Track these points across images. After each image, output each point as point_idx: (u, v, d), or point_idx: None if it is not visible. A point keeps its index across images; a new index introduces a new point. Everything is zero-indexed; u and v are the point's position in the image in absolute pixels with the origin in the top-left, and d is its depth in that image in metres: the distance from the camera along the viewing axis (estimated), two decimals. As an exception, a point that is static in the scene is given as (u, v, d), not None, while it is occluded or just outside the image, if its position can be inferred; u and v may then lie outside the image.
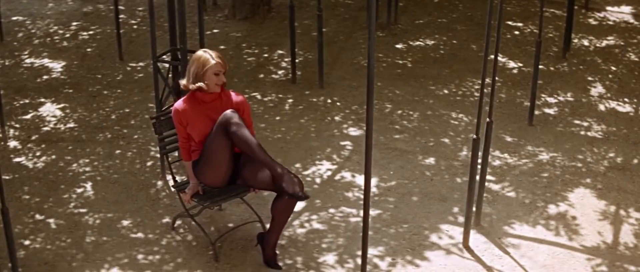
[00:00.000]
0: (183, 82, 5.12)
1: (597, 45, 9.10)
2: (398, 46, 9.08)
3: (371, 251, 5.30)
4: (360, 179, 6.22)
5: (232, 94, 5.20)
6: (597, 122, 7.22)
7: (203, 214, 5.59)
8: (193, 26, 8.30)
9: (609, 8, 10.39)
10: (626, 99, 7.70)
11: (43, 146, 6.83)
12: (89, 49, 9.11)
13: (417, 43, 9.19)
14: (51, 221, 5.74)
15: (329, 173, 6.35)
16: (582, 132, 7.03)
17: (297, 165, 6.44)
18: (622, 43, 9.18)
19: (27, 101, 7.71)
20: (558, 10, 10.09)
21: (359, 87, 7.89)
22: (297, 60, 8.20)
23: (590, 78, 8.18)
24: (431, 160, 6.55)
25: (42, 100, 7.73)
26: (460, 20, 9.92)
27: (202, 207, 5.35)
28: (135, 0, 10.76)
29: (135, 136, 6.96)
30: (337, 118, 7.29)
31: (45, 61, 8.77)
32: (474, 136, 5.12)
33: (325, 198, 5.98)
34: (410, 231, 5.59)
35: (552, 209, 5.85)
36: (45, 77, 8.33)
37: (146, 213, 5.82)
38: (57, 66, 8.61)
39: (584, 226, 5.65)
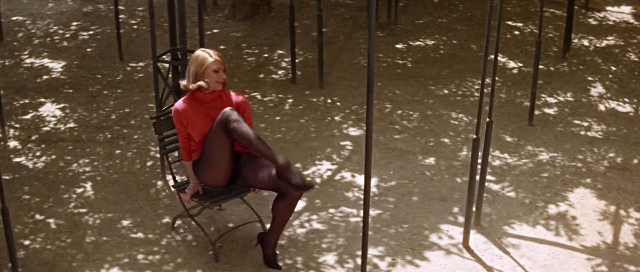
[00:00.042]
0: (183, 83, 5.12)
1: (597, 45, 9.10)
2: (398, 46, 9.08)
3: (371, 251, 5.30)
4: (360, 179, 6.22)
5: (232, 94, 5.20)
6: (597, 122, 7.22)
7: (203, 214, 5.59)
8: (193, 26, 8.30)
9: (609, 8, 10.40)
10: (626, 99, 7.70)
11: (43, 145, 6.83)
12: (89, 49, 9.11)
13: (417, 43, 9.19)
14: (51, 221, 5.74)
15: (329, 173, 6.35)
16: (582, 132, 7.03)
17: (297, 165, 6.44)
18: (622, 43, 9.18)
19: (27, 101, 7.71)
20: (558, 10, 10.09)
21: (359, 87, 7.90)
22: (297, 60, 8.20)
23: (590, 78, 8.18)
24: (431, 160, 6.55)
25: (42, 100, 7.73)
26: (460, 20, 9.92)
27: (202, 207, 5.35)
28: (135, 0, 10.76)
29: (135, 136, 6.96)
30: (337, 118, 7.29)
31: (45, 61, 8.77)
32: (474, 136, 5.12)
33: (325, 198, 5.98)
34: (410, 231, 5.59)
35: (552, 209, 5.85)
36: (45, 77, 8.33)
37: (146, 213, 5.82)
38: (57, 66, 8.61)
39: (584, 226, 5.65)
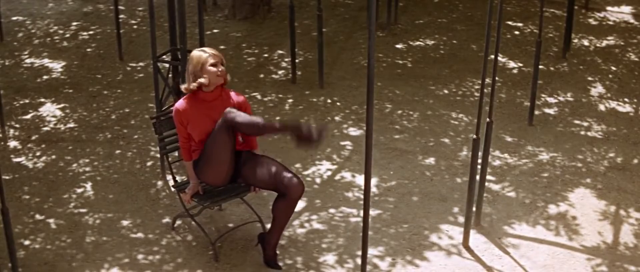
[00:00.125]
0: (184, 86, 5.11)
1: (597, 45, 9.10)
2: (398, 46, 9.08)
3: (371, 251, 5.30)
4: (360, 179, 6.22)
5: (233, 93, 5.20)
6: (597, 122, 7.22)
7: (203, 214, 5.59)
8: (193, 26, 8.30)
9: (609, 8, 10.40)
10: (626, 99, 7.70)
11: (43, 145, 6.83)
12: (89, 49, 9.11)
13: (417, 43, 9.19)
14: (51, 221, 5.74)
15: (329, 173, 6.35)
16: (582, 132, 7.03)
17: (297, 165, 6.44)
18: (622, 43, 9.18)
19: (27, 101, 7.71)
20: (558, 10, 10.09)
21: (359, 87, 7.90)
22: (297, 60, 8.20)
23: (590, 78, 8.18)
24: (431, 160, 6.55)
25: (42, 100, 7.73)
26: (460, 20, 9.92)
27: (202, 207, 5.35)
28: (135, 0, 10.76)
29: (135, 136, 6.96)
30: (337, 118, 7.29)
31: (45, 61, 8.77)
32: (474, 136, 5.12)
33: (325, 198, 5.98)
34: (410, 231, 5.59)
35: (552, 209, 5.85)
36: (45, 77, 8.33)
37: (146, 213, 5.82)
38: (57, 66, 8.61)
39: (584, 226, 5.65)
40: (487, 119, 5.25)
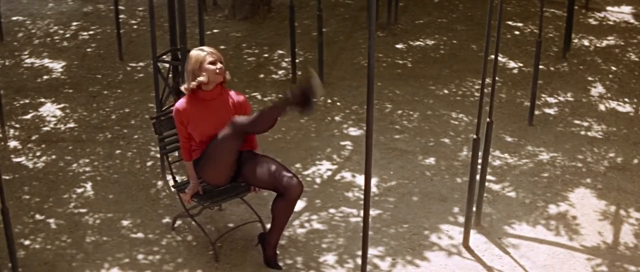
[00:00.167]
0: (184, 86, 5.11)
1: (597, 45, 9.10)
2: (398, 46, 9.08)
3: (371, 251, 5.30)
4: (360, 179, 6.21)
5: (233, 93, 5.20)
6: (597, 122, 7.22)
7: (203, 214, 5.59)
8: (193, 26, 8.30)
9: (609, 8, 10.40)
10: (626, 99, 7.70)
11: (43, 145, 6.83)
12: (89, 49, 9.11)
13: (417, 43, 9.19)
14: (51, 221, 5.74)
15: (329, 173, 6.35)
16: (582, 132, 7.03)
17: (297, 165, 6.44)
18: (622, 43, 9.18)
19: (27, 101, 7.71)
20: (558, 10, 10.09)
21: (359, 87, 7.90)
22: (297, 60, 8.20)
23: (590, 78, 8.18)
24: (431, 160, 6.55)
25: (42, 100, 7.73)
26: (460, 20, 9.92)
27: (202, 207, 5.35)
28: (135, 0, 10.76)
29: (135, 136, 6.96)
30: (337, 118, 7.29)
31: (45, 61, 8.77)
32: (474, 136, 5.12)
33: (325, 198, 5.98)
34: (410, 231, 5.58)
35: (552, 209, 5.85)
36: (45, 77, 8.33)
37: (146, 213, 5.82)
38: (57, 66, 8.62)
39: (584, 226, 5.65)
40: (487, 119, 5.25)
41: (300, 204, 5.73)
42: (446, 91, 7.87)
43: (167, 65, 6.84)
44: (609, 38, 9.31)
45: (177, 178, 5.89)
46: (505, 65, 8.52)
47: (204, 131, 5.07)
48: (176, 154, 6.04)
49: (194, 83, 5.03)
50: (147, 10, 8.46)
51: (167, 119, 5.43)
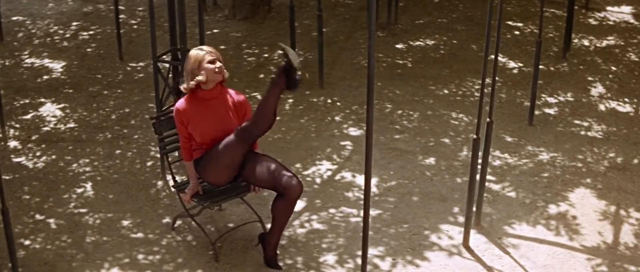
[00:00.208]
0: (183, 86, 5.11)
1: (597, 45, 9.10)
2: (398, 46, 9.08)
3: (371, 251, 5.30)
4: (360, 179, 6.21)
5: (233, 92, 5.21)
6: (597, 122, 7.22)
7: (203, 214, 5.59)
8: (193, 26, 8.30)
9: (609, 8, 10.40)
10: (626, 99, 7.70)
11: (43, 145, 6.83)
12: (89, 49, 9.11)
13: (417, 43, 9.19)
14: (51, 221, 5.74)
15: (329, 173, 6.35)
16: (582, 132, 7.03)
17: (297, 165, 6.44)
18: (622, 43, 9.18)
19: (27, 101, 7.71)
20: (558, 10, 10.09)
21: (359, 87, 7.89)
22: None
23: (590, 78, 8.18)
24: (431, 160, 6.55)
25: (42, 100, 7.73)
26: (460, 20, 9.92)
27: (202, 207, 5.35)
28: (135, 0, 10.76)
29: (135, 136, 6.96)
30: (337, 118, 7.29)
31: (45, 61, 8.77)
32: (474, 136, 5.12)
33: (326, 198, 5.98)
34: (411, 231, 5.58)
35: (552, 209, 5.85)
36: (45, 77, 8.33)
37: (146, 213, 5.82)
38: (57, 66, 8.62)
39: (584, 226, 5.65)
40: (487, 119, 5.25)
41: (300, 204, 5.73)
42: (446, 91, 7.87)
43: (167, 65, 6.84)
44: (609, 38, 9.31)
45: (177, 178, 5.89)
46: (505, 65, 8.52)
47: (205, 131, 5.07)
48: (176, 154, 6.04)
49: (192, 82, 5.03)
50: (147, 10, 8.46)
51: (167, 119, 5.43)
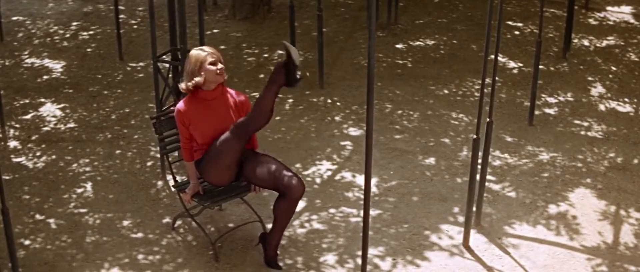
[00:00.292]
0: (182, 86, 5.10)
1: (597, 45, 9.10)
2: (398, 46, 9.08)
3: (371, 251, 5.30)
4: (360, 179, 6.21)
5: (233, 92, 5.20)
6: (597, 122, 7.22)
7: (203, 214, 5.59)
8: (193, 26, 8.30)
9: (609, 8, 10.40)
10: (626, 99, 7.70)
11: (43, 145, 6.83)
12: (89, 49, 9.11)
13: (417, 43, 9.19)
14: (51, 221, 5.74)
15: (329, 173, 6.35)
16: (582, 132, 7.03)
17: (297, 165, 6.44)
18: (622, 43, 9.18)
19: (27, 101, 7.71)
20: (558, 10, 10.09)
21: (359, 87, 7.89)
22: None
23: (590, 78, 8.18)
24: (431, 160, 6.55)
25: (42, 100, 7.73)
26: (460, 20, 9.92)
27: (202, 207, 5.35)
28: (135, 0, 10.76)
29: (135, 136, 6.96)
30: (337, 118, 7.29)
31: (45, 61, 8.77)
32: (474, 136, 5.12)
33: (326, 198, 5.98)
34: (411, 231, 5.58)
35: (553, 209, 5.85)
36: (45, 77, 8.33)
37: (146, 213, 5.82)
38: (57, 66, 8.62)
39: (584, 226, 5.65)
40: (487, 119, 5.25)
41: (300, 204, 5.73)
42: (446, 91, 7.87)
43: (167, 65, 6.84)
44: (609, 38, 9.31)
45: (177, 178, 5.89)
46: (505, 65, 8.52)
47: (206, 131, 5.07)
48: (176, 154, 6.04)
49: (190, 83, 5.02)
50: (147, 10, 8.46)
51: (167, 119, 5.42)
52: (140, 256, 5.32)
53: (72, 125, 7.21)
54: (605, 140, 6.89)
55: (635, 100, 7.68)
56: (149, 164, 6.51)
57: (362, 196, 5.42)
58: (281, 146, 6.74)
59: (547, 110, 7.45)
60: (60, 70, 8.51)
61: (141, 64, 8.61)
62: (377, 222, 5.67)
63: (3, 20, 9.65)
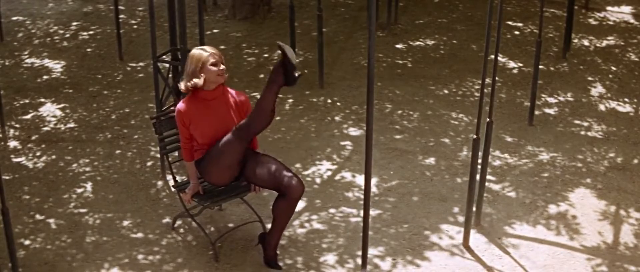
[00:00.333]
0: (182, 86, 5.10)
1: (597, 45, 9.10)
2: (398, 46, 9.08)
3: (371, 251, 5.30)
4: (360, 179, 6.21)
5: (234, 92, 5.20)
6: (597, 122, 7.22)
7: (203, 214, 5.59)
8: (193, 26, 8.30)
9: (609, 8, 10.40)
10: (626, 99, 7.70)
11: (43, 145, 6.83)
12: (89, 49, 9.11)
13: (417, 43, 9.19)
14: (51, 221, 5.74)
15: (329, 173, 6.35)
16: (582, 132, 7.03)
17: (297, 165, 6.44)
18: (622, 43, 9.18)
19: (27, 101, 7.71)
20: (558, 10, 10.09)
21: (359, 87, 7.89)
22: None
23: (590, 78, 8.18)
24: (431, 160, 6.55)
25: (42, 100, 7.73)
26: (460, 20, 9.92)
27: (202, 207, 5.35)
28: (135, 0, 10.76)
29: (135, 136, 6.96)
30: (337, 118, 7.29)
31: (45, 61, 8.77)
32: (474, 136, 5.12)
33: (326, 198, 5.98)
34: (411, 231, 5.58)
35: (552, 209, 5.85)
36: (45, 77, 8.33)
37: (146, 213, 5.82)
38: (57, 66, 8.62)
39: (584, 225, 5.65)
40: (487, 119, 5.25)
41: (300, 204, 5.73)
42: (446, 91, 7.87)
43: (167, 65, 6.84)
44: (609, 38, 9.31)
45: (177, 178, 5.89)
46: (505, 65, 8.52)
47: (206, 131, 5.06)
48: (176, 154, 6.04)
49: (189, 84, 5.02)
50: (147, 10, 8.46)
51: (167, 119, 5.42)
52: (140, 256, 5.32)
53: (72, 125, 7.21)
54: (605, 140, 6.89)
55: (635, 100, 7.68)
56: (149, 164, 6.51)
57: (362, 196, 5.42)
58: (281, 146, 6.74)
59: (547, 110, 7.45)
60: (60, 70, 8.51)
61: (141, 64, 8.61)
62: (377, 222, 5.67)
63: (3, 20, 9.65)
